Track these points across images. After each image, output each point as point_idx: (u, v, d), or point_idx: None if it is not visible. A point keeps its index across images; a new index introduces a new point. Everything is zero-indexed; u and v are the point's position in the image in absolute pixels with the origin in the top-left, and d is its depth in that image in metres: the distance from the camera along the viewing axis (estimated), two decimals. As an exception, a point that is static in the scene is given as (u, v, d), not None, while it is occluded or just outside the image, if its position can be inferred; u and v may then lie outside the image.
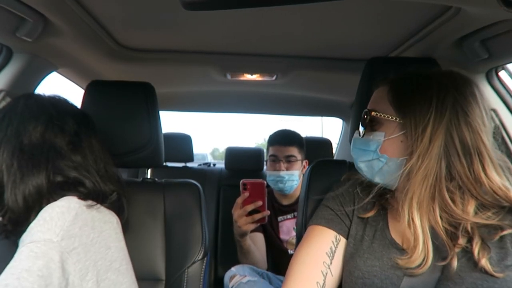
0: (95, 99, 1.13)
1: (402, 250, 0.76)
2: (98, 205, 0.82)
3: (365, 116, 0.82)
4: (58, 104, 0.88)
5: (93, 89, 1.13)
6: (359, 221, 0.84)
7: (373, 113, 0.81)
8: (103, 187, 0.85)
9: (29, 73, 1.29)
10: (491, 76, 1.31)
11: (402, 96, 0.78)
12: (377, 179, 0.81)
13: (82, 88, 1.54)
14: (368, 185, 0.84)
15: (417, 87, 0.77)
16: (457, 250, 0.71)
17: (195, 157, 2.54)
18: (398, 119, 0.77)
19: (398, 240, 0.79)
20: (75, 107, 0.92)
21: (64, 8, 1.06)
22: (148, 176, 1.21)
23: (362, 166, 0.83)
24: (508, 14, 0.85)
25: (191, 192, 1.10)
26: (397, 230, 0.80)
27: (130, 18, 1.22)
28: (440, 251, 0.72)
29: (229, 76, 1.78)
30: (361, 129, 0.84)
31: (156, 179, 1.17)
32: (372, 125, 0.81)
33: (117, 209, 0.89)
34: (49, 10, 1.04)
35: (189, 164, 2.49)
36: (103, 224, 0.81)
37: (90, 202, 0.80)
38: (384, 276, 0.75)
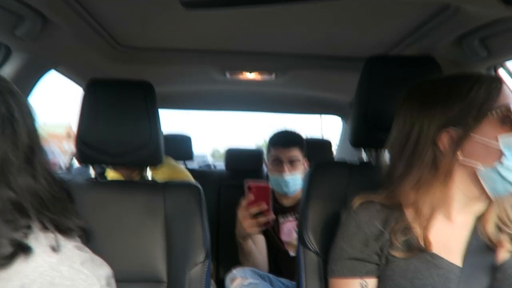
0: (94, 98, 1.12)
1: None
2: None
3: None
4: None
5: (92, 88, 1.13)
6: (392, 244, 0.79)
7: None
8: None
9: (28, 72, 1.28)
10: (490, 74, 1.31)
11: None
12: None
13: (81, 86, 1.54)
14: (389, 206, 0.81)
15: None
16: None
17: (195, 159, 2.53)
18: None
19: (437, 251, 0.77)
20: None
21: (63, 6, 1.06)
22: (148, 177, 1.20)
23: None
24: (508, 12, 0.85)
25: (191, 193, 1.09)
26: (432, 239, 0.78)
27: (129, 17, 1.22)
28: None
29: (228, 75, 1.78)
30: None
31: (156, 180, 1.17)
32: None
33: None
34: (48, 8, 1.04)
35: (190, 165, 2.48)
36: None
37: None
38: None
